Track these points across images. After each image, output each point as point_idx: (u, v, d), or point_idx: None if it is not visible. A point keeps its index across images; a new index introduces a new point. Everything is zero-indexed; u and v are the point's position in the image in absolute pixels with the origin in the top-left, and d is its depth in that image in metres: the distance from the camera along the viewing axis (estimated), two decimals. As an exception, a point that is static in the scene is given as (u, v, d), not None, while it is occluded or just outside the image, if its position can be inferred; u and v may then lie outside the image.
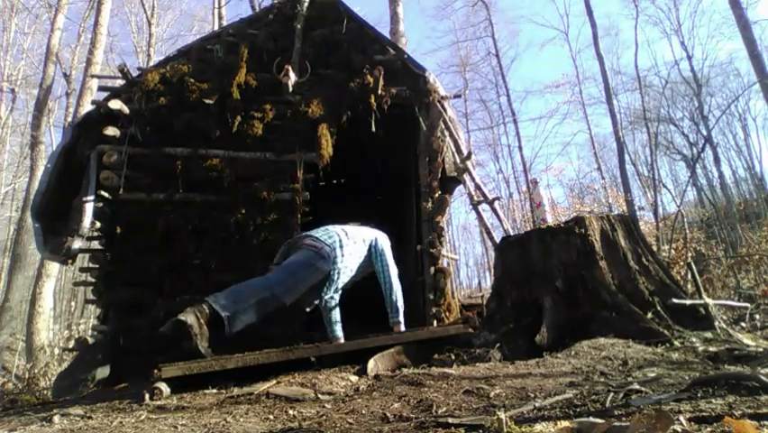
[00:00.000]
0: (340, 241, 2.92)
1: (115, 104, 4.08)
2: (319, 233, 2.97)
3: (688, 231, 6.41)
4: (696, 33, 47.84)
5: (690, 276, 3.85)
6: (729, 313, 3.40)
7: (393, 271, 3.09)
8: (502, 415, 1.13)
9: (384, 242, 3.18)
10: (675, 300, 2.64)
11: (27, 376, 6.67)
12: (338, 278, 2.89)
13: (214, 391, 2.16)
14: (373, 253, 3.10)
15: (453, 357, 2.46)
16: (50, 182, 4.08)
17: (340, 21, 4.73)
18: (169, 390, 2.14)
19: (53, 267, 9.20)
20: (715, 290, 4.88)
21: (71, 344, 5.70)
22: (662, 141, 20.77)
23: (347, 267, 2.93)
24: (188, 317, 2.25)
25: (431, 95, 4.64)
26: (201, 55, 4.51)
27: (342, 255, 2.89)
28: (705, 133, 15.12)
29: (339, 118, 4.44)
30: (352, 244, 2.98)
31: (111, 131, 4.05)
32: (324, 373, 2.25)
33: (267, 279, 2.71)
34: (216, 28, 11.37)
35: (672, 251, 5.84)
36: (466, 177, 4.66)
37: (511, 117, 18.57)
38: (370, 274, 3.16)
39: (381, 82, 4.41)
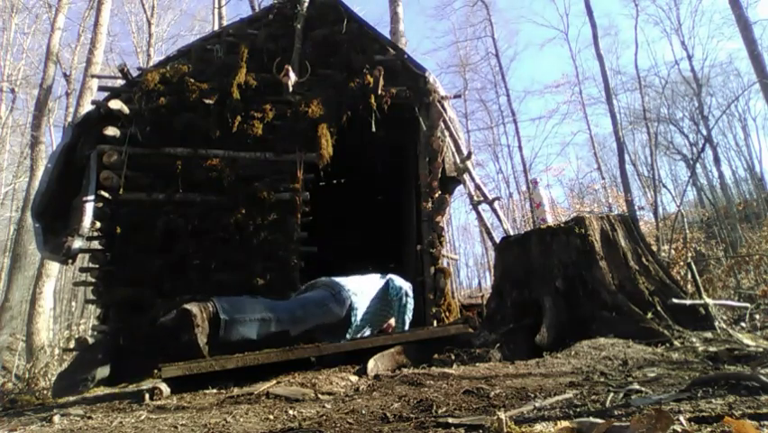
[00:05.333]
0: (355, 289, 3.04)
1: (115, 104, 4.08)
2: (339, 279, 3.11)
3: (688, 231, 6.41)
4: (696, 33, 47.90)
5: (690, 276, 3.85)
6: (729, 313, 3.40)
7: (408, 288, 3.35)
8: (502, 415, 1.12)
9: (397, 277, 3.41)
10: (675, 300, 2.64)
11: (27, 376, 6.66)
12: (357, 324, 3.01)
13: (214, 391, 2.16)
14: (390, 288, 3.29)
15: (453, 357, 2.46)
16: (50, 182, 4.08)
17: (340, 21, 4.73)
18: (169, 390, 2.14)
19: (53, 267, 9.20)
20: (715, 289, 4.88)
21: (71, 344, 5.70)
22: (662, 141, 20.78)
23: (365, 311, 3.06)
24: (193, 308, 2.29)
25: (431, 95, 4.64)
26: (201, 55, 4.50)
27: (359, 303, 3.02)
28: (705, 133, 15.11)
29: (339, 118, 4.44)
30: (365, 292, 3.13)
31: (111, 131, 4.05)
32: (324, 373, 2.25)
33: (275, 302, 2.80)
34: (216, 28, 11.37)
35: (672, 251, 5.84)
36: (466, 177, 4.66)
37: (511, 117, 18.63)
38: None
39: (381, 82, 4.41)
